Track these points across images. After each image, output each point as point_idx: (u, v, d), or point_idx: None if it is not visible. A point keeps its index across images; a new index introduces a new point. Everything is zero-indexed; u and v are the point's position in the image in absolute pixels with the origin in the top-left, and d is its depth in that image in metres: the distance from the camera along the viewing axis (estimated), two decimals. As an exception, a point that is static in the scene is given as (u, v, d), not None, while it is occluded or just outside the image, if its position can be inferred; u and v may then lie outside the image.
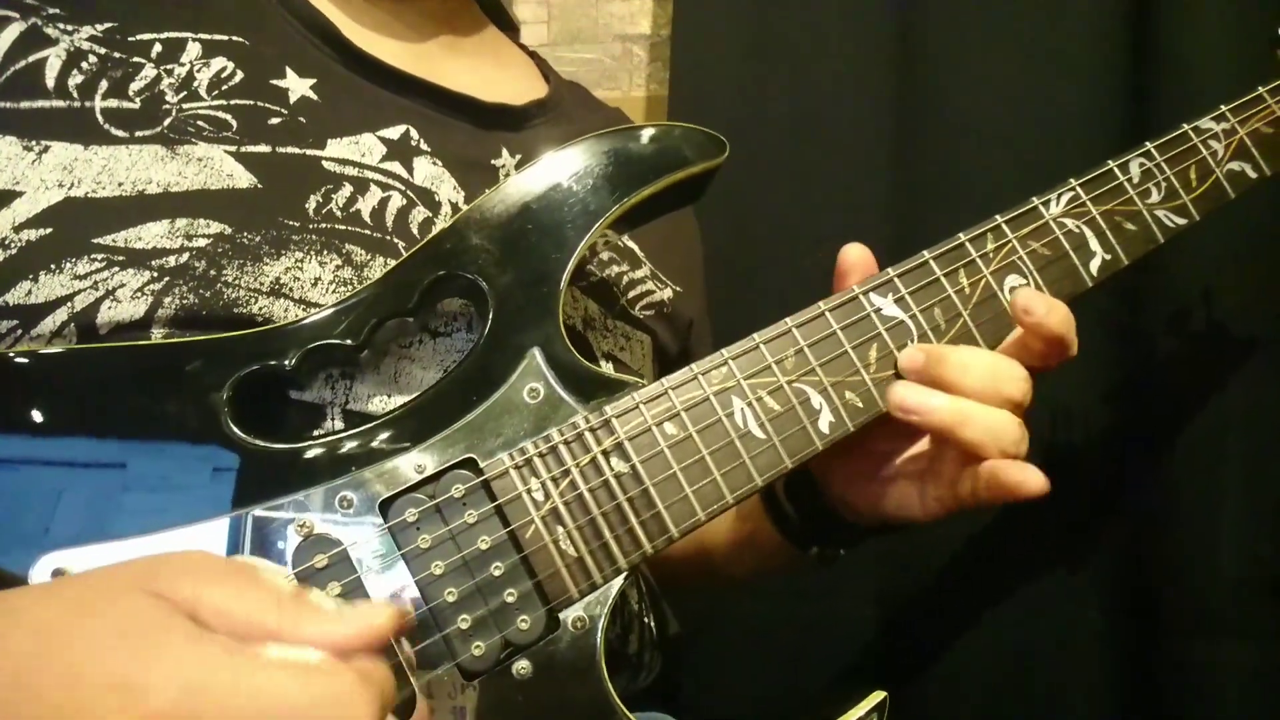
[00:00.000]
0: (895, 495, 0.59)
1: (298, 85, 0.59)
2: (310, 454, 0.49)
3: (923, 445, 0.59)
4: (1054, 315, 0.55)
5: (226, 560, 0.39)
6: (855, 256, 0.59)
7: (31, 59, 0.53)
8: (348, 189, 0.57)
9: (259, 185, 0.54)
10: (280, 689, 0.34)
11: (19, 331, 0.48)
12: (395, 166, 0.60)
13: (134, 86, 0.55)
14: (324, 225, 0.55)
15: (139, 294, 0.49)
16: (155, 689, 0.33)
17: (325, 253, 0.54)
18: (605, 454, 0.50)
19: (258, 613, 0.36)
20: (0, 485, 0.44)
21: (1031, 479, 0.53)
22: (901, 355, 0.55)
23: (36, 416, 0.46)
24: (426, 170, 0.61)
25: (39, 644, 0.34)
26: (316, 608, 0.38)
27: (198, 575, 0.37)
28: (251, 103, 0.57)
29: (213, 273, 0.51)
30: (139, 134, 0.53)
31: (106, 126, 0.53)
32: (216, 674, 0.34)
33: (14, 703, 0.32)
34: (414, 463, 0.49)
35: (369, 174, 0.58)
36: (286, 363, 0.50)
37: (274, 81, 0.59)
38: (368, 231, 0.56)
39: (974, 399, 0.53)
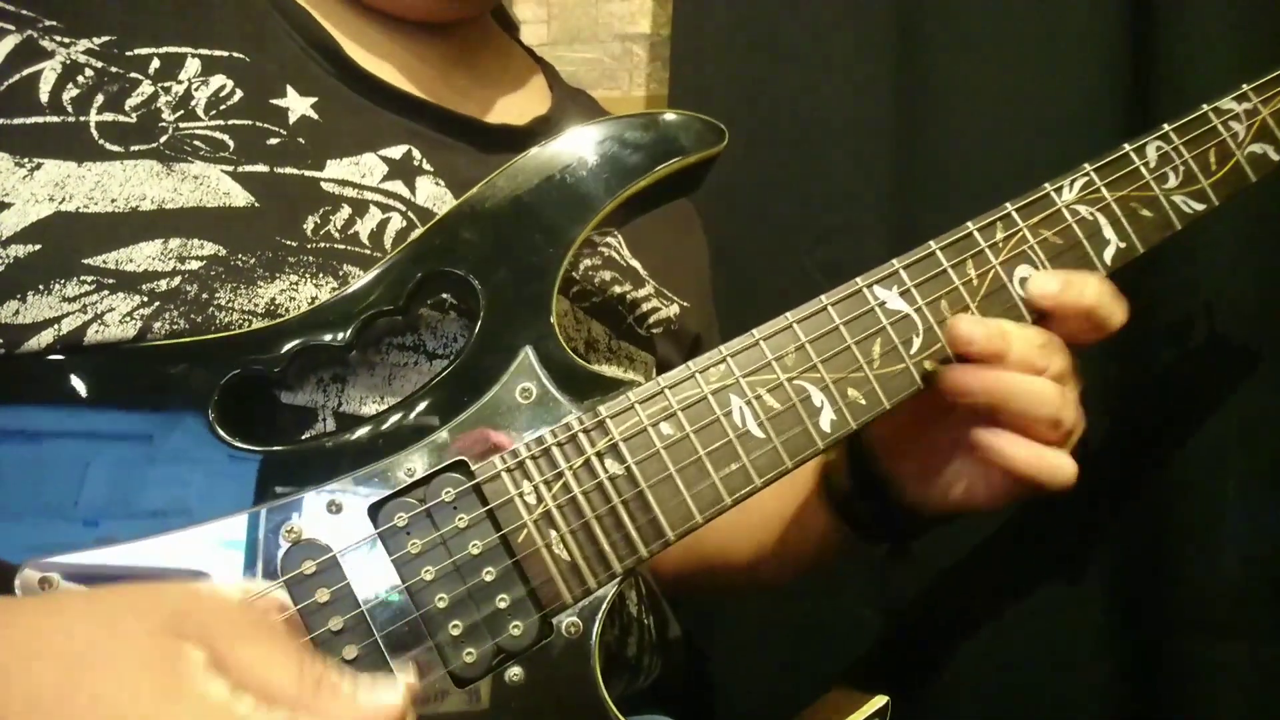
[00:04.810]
0: (961, 486, 0.60)
1: (298, 104, 0.58)
2: (299, 457, 0.48)
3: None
4: (1069, 292, 0.56)
5: (256, 613, 0.41)
6: None
7: (26, 72, 0.52)
8: (346, 210, 0.56)
9: (256, 204, 0.53)
10: None
11: (3, 350, 0.48)
12: (397, 186, 0.59)
13: (130, 102, 0.54)
14: (321, 245, 0.54)
15: (128, 318, 0.49)
16: None
17: (321, 275, 0.53)
18: (599, 455, 0.49)
19: (279, 679, 0.37)
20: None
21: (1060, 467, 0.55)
22: (953, 325, 0.55)
23: (31, 417, 0.46)
24: (429, 190, 0.60)
25: (62, 675, 0.34)
26: (335, 686, 0.38)
27: (228, 627, 0.38)
28: (250, 123, 0.56)
29: (204, 296, 0.50)
30: (134, 149, 0.52)
31: (101, 141, 0.52)
32: None
33: None
34: (404, 466, 0.48)
35: (369, 195, 0.57)
36: (275, 364, 0.49)
37: (274, 101, 0.58)
38: (366, 252, 0.55)
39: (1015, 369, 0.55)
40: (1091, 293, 0.56)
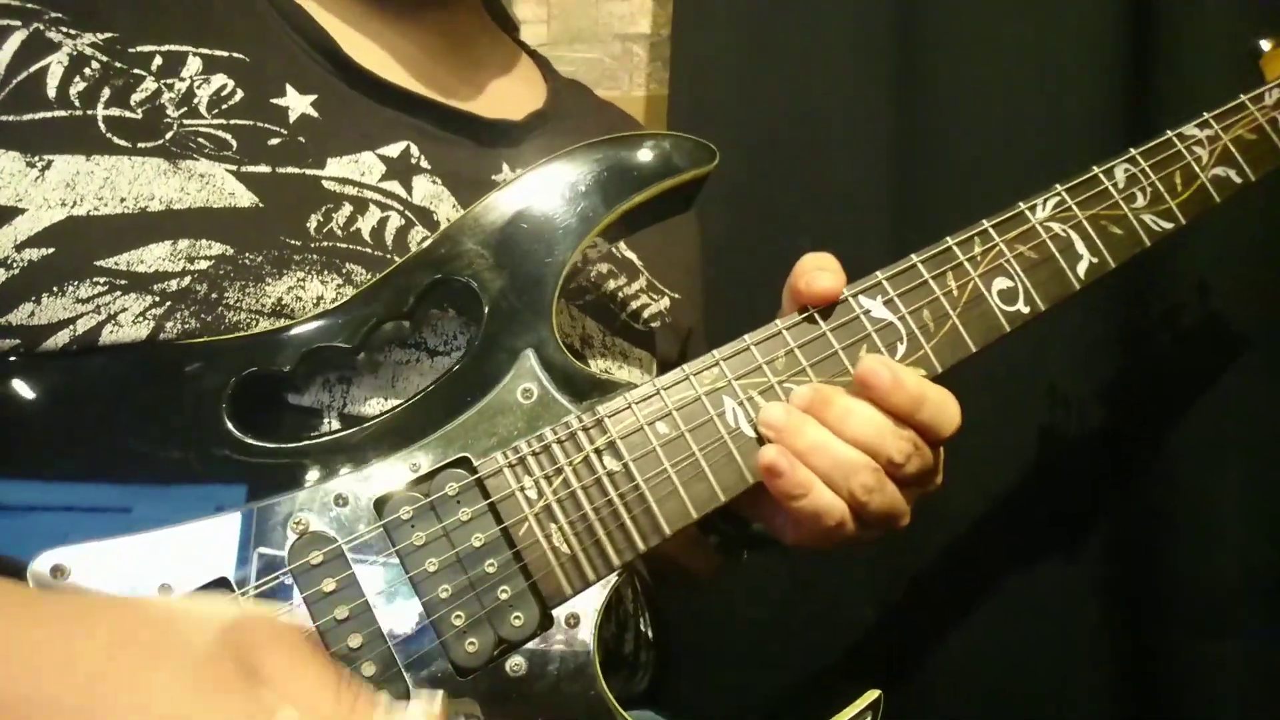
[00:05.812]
0: (778, 519, 0.57)
1: (298, 103, 0.59)
2: (307, 454, 0.49)
3: None
4: (898, 393, 0.52)
5: (292, 630, 0.42)
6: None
7: (34, 68, 0.53)
8: (348, 208, 0.57)
9: (260, 205, 0.54)
10: None
11: (20, 351, 0.49)
12: (394, 186, 0.60)
13: (135, 97, 0.55)
14: (325, 244, 0.55)
15: (141, 318, 0.50)
16: None
17: (326, 272, 0.54)
18: (598, 452, 0.51)
19: (317, 695, 0.38)
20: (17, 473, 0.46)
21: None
22: (794, 395, 0.53)
23: (39, 417, 0.48)
24: (426, 189, 0.61)
25: (111, 678, 0.36)
26: (369, 701, 0.40)
27: (272, 649, 0.39)
28: (251, 123, 0.57)
29: (214, 295, 0.51)
30: (141, 145, 0.53)
31: (109, 135, 0.53)
32: None
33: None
34: (409, 461, 0.50)
35: (368, 193, 0.58)
36: (285, 366, 0.50)
37: (274, 100, 0.58)
38: (369, 250, 0.56)
39: (851, 443, 0.51)
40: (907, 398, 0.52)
